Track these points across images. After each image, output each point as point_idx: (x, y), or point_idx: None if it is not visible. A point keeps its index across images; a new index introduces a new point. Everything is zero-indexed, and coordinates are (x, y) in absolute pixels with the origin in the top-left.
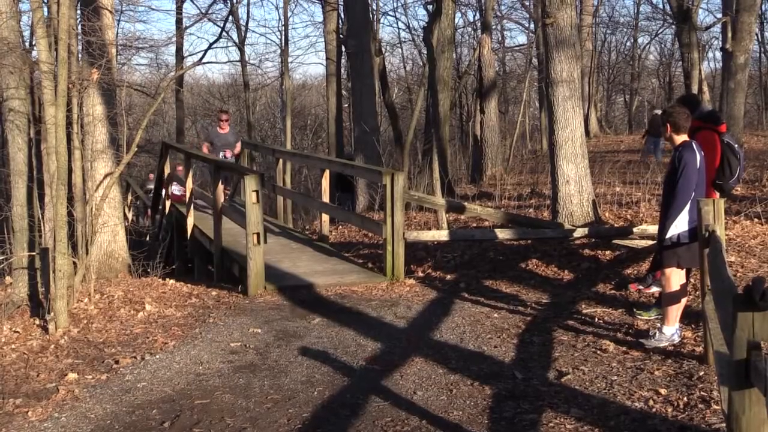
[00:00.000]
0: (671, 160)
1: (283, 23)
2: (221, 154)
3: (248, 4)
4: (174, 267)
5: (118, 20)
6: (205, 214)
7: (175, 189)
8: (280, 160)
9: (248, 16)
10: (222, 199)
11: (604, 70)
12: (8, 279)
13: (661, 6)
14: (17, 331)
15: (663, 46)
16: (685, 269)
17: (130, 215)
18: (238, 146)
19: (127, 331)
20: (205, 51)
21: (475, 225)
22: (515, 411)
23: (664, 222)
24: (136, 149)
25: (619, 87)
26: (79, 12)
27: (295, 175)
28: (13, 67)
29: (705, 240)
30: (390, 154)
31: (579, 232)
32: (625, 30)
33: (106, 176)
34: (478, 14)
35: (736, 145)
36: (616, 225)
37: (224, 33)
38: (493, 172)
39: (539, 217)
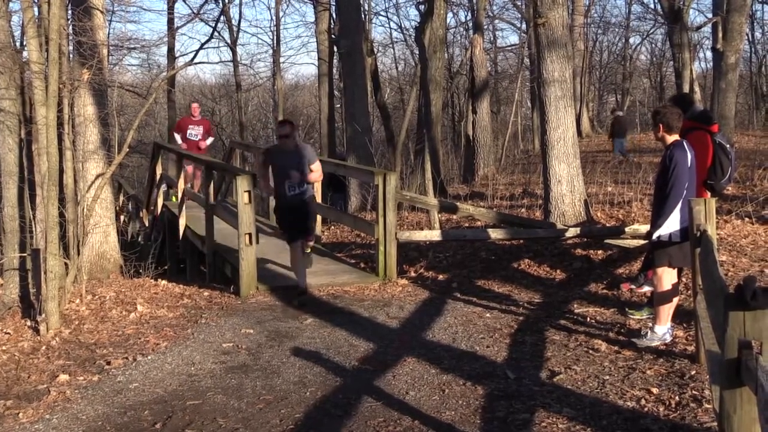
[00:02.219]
0: (662, 159)
1: (274, 23)
2: (287, 185)
3: (240, 5)
4: (166, 267)
5: (110, 20)
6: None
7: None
8: None
9: (240, 17)
10: (213, 200)
11: (595, 70)
12: None
13: (652, 6)
14: (8, 333)
15: (654, 46)
16: (676, 269)
17: (121, 216)
18: (316, 169)
19: (118, 332)
20: (197, 51)
21: (467, 225)
22: (508, 411)
23: (656, 221)
24: (127, 150)
25: (611, 87)
26: (69, 12)
27: None
28: (4, 67)
29: (696, 239)
30: (382, 154)
31: (571, 232)
32: (616, 30)
33: (97, 177)
34: (469, 14)
35: (727, 145)
36: (607, 225)
37: (216, 33)
38: (485, 172)
39: (531, 217)
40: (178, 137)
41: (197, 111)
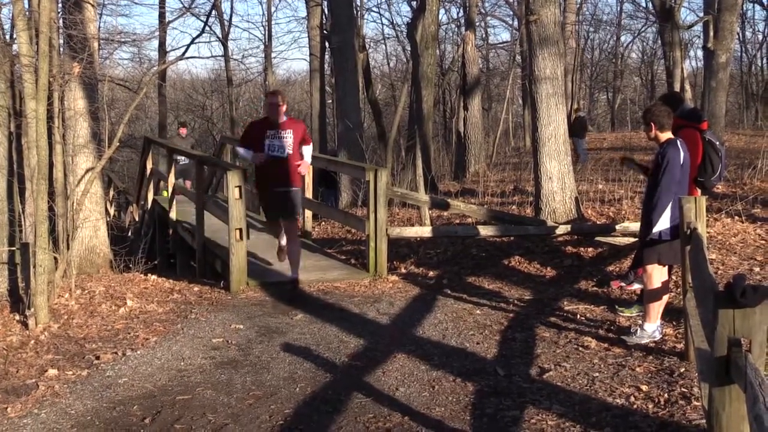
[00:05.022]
0: (655, 157)
1: (266, 18)
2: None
3: None
4: (156, 262)
5: (100, 14)
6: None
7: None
8: None
9: (231, 11)
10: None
11: (587, 67)
12: None
13: (643, 4)
14: None
15: (645, 44)
16: (666, 266)
17: (111, 210)
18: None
19: (108, 326)
20: (188, 46)
21: (458, 222)
22: (497, 407)
23: (647, 218)
24: (118, 144)
25: (602, 85)
26: (60, 5)
27: None
28: None
29: (686, 237)
30: (373, 150)
31: (561, 229)
32: (608, 28)
33: (87, 171)
34: (461, 11)
35: (717, 143)
36: (598, 222)
37: (207, 28)
38: (476, 168)
39: (522, 214)
40: (244, 151)
41: (282, 109)
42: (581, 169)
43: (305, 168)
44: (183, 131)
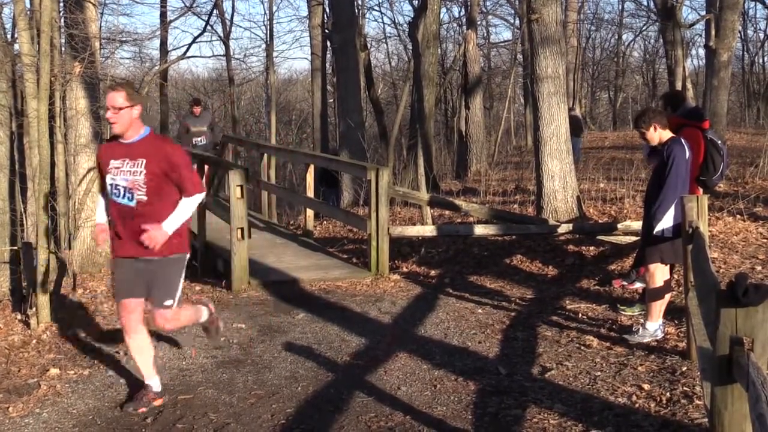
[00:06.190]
0: (660, 155)
1: (268, 18)
2: None
3: None
4: None
5: (102, 13)
6: None
7: None
8: (265, 155)
9: (233, 10)
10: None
11: (588, 66)
12: None
13: (645, 3)
14: None
15: (647, 43)
16: (669, 265)
17: None
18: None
19: (109, 325)
20: (190, 45)
21: (459, 221)
22: (499, 406)
23: (652, 216)
24: None
25: (604, 84)
26: (61, 4)
27: (279, 170)
28: None
29: (688, 236)
30: (375, 149)
31: (563, 228)
32: (609, 27)
33: (89, 171)
34: (463, 10)
35: (719, 142)
36: (600, 221)
37: (209, 27)
38: (477, 167)
39: (524, 213)
40: (100, 208)
41: (127, 117)
42: (583, 168)
43: (153, 239)
44: (197, 110)
